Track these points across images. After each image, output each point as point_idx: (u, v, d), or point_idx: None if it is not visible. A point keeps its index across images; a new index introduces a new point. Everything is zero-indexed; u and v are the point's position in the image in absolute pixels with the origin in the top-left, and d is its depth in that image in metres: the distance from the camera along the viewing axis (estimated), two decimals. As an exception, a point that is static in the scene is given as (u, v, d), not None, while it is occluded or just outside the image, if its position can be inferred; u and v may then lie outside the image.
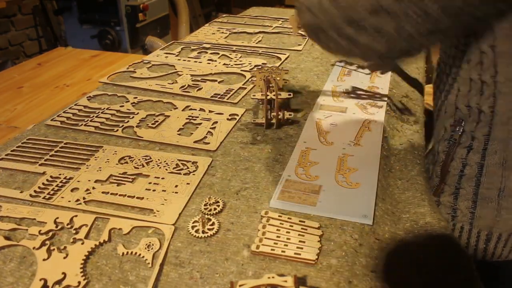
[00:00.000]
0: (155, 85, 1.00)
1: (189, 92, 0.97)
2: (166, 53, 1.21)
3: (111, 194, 0.64)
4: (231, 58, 1.17)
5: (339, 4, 0.53)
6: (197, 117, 0.86)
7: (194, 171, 0.69)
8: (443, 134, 0.70)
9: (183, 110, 0.89)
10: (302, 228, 0.56)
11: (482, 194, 0.65)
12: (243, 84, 1.01)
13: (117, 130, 0.82)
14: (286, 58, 1.17)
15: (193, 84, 1.01)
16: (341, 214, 0.59)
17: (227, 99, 0.94)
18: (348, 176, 0.67)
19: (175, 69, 1.09)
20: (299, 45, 1.28)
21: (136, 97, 0.94)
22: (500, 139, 0.62)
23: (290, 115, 0.84)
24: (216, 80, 1.03)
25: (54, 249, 0.54)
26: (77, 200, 0.62)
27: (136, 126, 0.83)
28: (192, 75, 1.06)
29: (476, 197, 0.66)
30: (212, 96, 0.94)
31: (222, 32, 1.40)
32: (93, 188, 0.65)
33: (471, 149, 0.65)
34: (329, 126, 0.81)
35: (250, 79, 1.03)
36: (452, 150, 0.68)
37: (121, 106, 0.91)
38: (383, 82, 1.01)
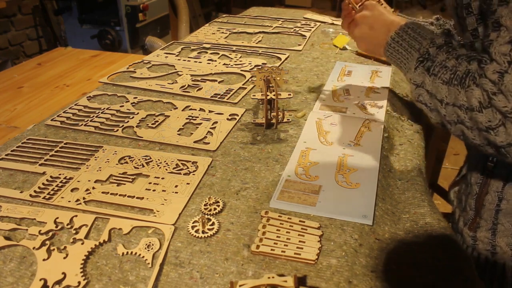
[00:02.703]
0: (155, 85, 1.00)
1: (189, 92, 0.97)
2: (166, 53, 1.21)
3: (111, 194, 0.64)
4: (231, 58, 1.17)
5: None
6: (197, 117, 0.86)
7: (194, 171, 0.69)
8: (476, 163, 0.66)
9: (183, 110, 0.89)
10: (302, 228, 0.56)
11: None
12: (243, 84, 1.01)
13: (117, 130, 0.82)
14: (286, 58, 1.17)
15: (193, 84, 1.01)
16: (341, 214, 0.59)
17: (227, 99, 0.94)
18: (348, 176, 0.67)
19: (175, 69, 1.09)
20: (299, 45, 1.28)
21: (136, 97, 0.94)
22: None
23: (290, 115, 0.84)
24: (216, 80, 1.03)
25: (54, 249, 0.54)
26: (77, 200, 0.62)
27: (136, 126, 0.83)
28: (192, 75, 1.06)
29: None
30: (212, 96, 0.94)
31: (222, 32, 1.40)
32: (93, 188, 0.65)
33: (508, 181, 0.61)
34: (329, 126, 0.81)
35: (250, 79, 1.03)
36: (486, 182, 0.63)
37: (121, 106, 0.91)
38: (383, 82, 1.01)
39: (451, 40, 0.64)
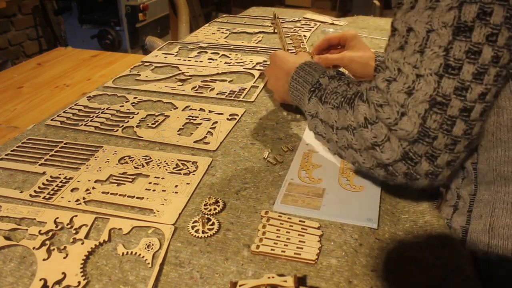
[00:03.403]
0: (164, 87, 0.99)
1: (201, 93, 0.97)
2: (165, 53, 1.21)
3: (111, 194, 0.64)
4: (231, 58, 1.17)
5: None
6: (197, 117, 0.86)
7: (194, 171, 0.69)
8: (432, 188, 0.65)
9: (183, 110, 0.89)
10: (302, 228, 0.56)
11: None
12: (254, 83, 1.01)
13: (117, 130, 0.82)
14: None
15: (203, 85, 1.01)
16: (346, 218, 0.58)
17: (243, 97, 0.94)
18: (351, 178, 0.67)
19: (180, 70, 1.09)
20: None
21: (136, 97, 0.94)
22: (486, 202, 0.55)
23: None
24: (225, 80, 1.03)
25: (54, 249, 0.54)
26: (77, 200, 0.63)
27: (136, 126, 0.83)
28: (200, 75, 1.06)
29: None
30: (227, 96, 0.95)
31: (222, 32, 1.41)
32: (93, 188, 0.65)
33: (457, 209, 0.59)
34: None
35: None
36: (439, 207, 0.63)
37: (121, 106, 0.91)
38: None
39: (344, 73, 0.63)
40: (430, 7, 0.45)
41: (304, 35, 1.36)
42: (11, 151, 0.75)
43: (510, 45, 0.44)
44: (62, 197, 0.63)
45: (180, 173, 0.68)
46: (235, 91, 0.97)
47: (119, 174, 0.68)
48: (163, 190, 0.64)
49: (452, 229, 0.60)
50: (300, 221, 0.58)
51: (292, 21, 1.53)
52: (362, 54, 0.83)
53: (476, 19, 0.43)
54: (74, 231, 0.57)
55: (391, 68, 0.49)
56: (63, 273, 0.50)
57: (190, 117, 0.86)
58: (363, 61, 0.82)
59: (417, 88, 0.47)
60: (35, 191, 0.65)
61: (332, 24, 1.51)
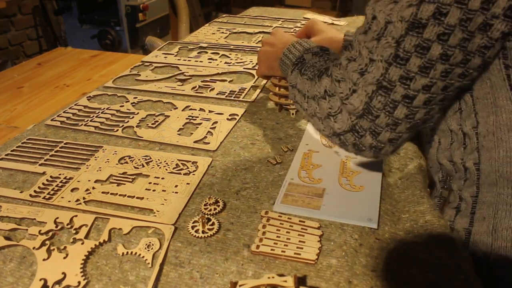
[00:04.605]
0: (164, 87, 0.99)
1: (201, 93, 0.97)
2: (165, 54, 1.21)
3: (111, 194, 0.64)
4: (231, 58, 1.17)
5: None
6: (197, 117, 0.86)
7: (194, 171, 0.69)
8: (434, 190, 0.67)
9: (183, 110, 0.89)
10: (302, 228, 0.56)
11: None
12: (254, 83, 1.01)
13: (117, 130, 0.82)
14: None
15: (203, 84, 1.01)
16: (346, 218, 0.58)
17: (243, 97, 0.94)
18: (351, 178, 0.67)
19: (180, 70, 1.09)
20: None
21: (136, 97, 0.94)
22: (489, 203, 0.56)
23: None
24: (225, 80, 1.03)
25: (54, 249, 0.54)
26: (77, 200, 0.62)
27: (136, 126, 0.83)
28: (200, 75, 1.06)
29: None
30: (227, 96, 0.95)
31: (222, 32, 1.41)
32: (93, 188, 0.65)
33: (459, 211, 0.60)
34: None
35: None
36: (442, 209, 0.63)
37: (121, 106, 0.91)
38: None
39: (328, 51, 0.67)
40: (394, 1, 0.48)
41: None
42: (11, 151, 0.75)
43: (463, 46, 0.46)
44: (62, 197, 0.63)
45: (180, 173, 0.68)
46: (235, 91, 0.97)
47: (119, 174, 0.68)
48: (163, 190, 0.64)
49: (455, 231, 0.60)
50: (300, 221, 0.58)
51: (292, 21, 1.53)
52: (325, 35, 0.90)
53: (430, 18, 0.45)
54: (74, 231, 0.57)
55: (355, 48, 0.53)
56: (63, 273, 0.50)
57: (190, 117, 0.86)
58: (328, 41, 0.88)
59: (368, 71, 0.51)
60: (35, 191, 0.65)
61: (332, 24, 1.51)
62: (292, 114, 0.86)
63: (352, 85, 0.52)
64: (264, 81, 1.01)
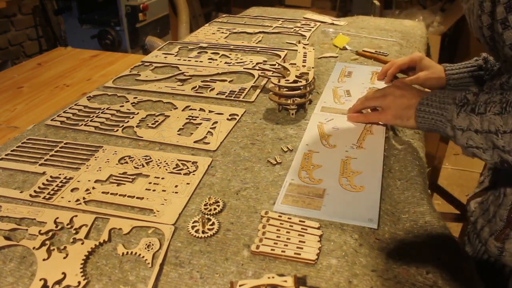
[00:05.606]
0: (165, 87, 0.99)
1: (201, 93, 0.96)
2: (165, 54, 1.21)
3: (111, 194, 0.64)
4: (231, 58, 1.17)
5: None
6: (197, 117, 0.86)
7: (194, 171, 0.69)
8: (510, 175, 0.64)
9: (183, 110, 0.89)
10: (302, 228, 0.56)
11: None
12: (254, 83, 1.01)
13: (117, 130, 0.82)
14: (284, 56, 1.17)
15: (204, 85, 1.01)
16: (346, 218, 0.58)
17: (243, 97, 0.94)
18: (352, 179, 0.67)
19: (180, 70, 1.09)
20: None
21: (136, 97, 0.94)
22: None
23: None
24: (225, 80, 1.03)
25: (54, 249, 0.54)
26: (77, 200, 0.63)
27: (136, 126, 0.83)
28: (200, 75, 1.05)
29: None
30: (227, 96, 0.95)
31: (222, 32, 1.40)
32: (93, 188, 0.65)
33: None
34: (331, 129, 0.81)
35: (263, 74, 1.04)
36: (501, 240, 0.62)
37: (121, 106, 0.91)
38: (383, 82, 1.01)
39: (483, 90, 0.63)
40: None
41: (304, 35, 1.36)
42: (11, 151, 0.75)
43: None
44: (62, 197, 0.63)
45: (180, 173, 0.68)
46: (235, 91, 0.97)
47: (119, 174, 0.68)
48: (163, 190, 0.64)
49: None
50: (300, 221, 0.58)
51: (292, 21, 1.53)
52: (434, 70, 0.94)
53: None
54: (74, 231, 0.57)
55: None
56: (63, 273, 0.50)
57: (190, 117, 0.86)
58: (436, 76, 0.93)
59: None
60: (35, 191, 0.65)
61: (332, 24, 1.51)
62: (292, 114, 0.86)
63: None
64: (264, 81, 1.01)
